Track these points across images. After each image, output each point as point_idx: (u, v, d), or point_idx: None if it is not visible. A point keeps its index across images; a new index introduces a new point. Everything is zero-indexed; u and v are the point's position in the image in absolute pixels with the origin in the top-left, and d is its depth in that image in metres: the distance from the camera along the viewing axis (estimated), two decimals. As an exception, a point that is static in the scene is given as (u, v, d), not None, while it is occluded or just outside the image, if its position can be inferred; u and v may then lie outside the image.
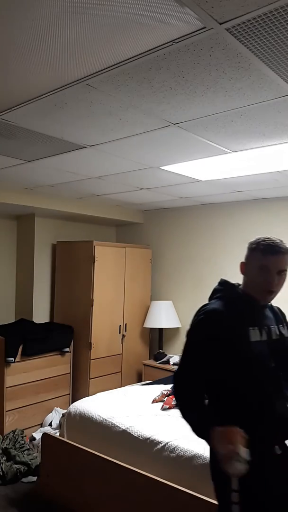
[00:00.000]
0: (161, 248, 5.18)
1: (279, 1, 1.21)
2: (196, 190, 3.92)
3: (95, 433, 2.86)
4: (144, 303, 4.96)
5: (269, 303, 1.81)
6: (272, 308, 1.84)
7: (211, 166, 3.01)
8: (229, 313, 1.68)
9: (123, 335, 4.74)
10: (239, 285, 1.80)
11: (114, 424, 2.80)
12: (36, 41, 1.43)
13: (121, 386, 4.45)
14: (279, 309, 1.88)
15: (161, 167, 3.07)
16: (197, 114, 2.04)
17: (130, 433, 2.68)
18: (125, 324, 4.76)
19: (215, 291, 1.81)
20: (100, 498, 2.62)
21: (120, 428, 2.75)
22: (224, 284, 1.82)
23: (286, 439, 1.67)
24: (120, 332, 4.70)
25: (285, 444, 1.64)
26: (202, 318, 1.67)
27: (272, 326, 1.74)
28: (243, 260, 1.76)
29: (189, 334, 1.70)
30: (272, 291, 1.67)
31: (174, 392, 1.69)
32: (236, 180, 3.44)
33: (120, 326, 4.70)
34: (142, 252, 4.97)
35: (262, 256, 1.65)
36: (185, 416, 1.63)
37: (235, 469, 1.42)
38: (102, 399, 3.23)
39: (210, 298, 1.80)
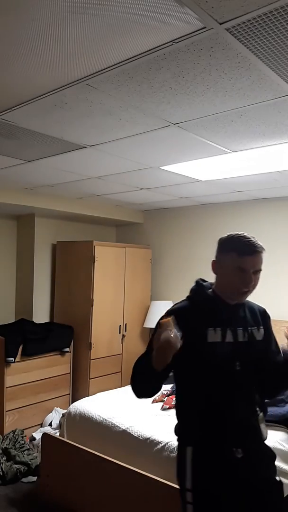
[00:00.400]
0: (161, 248, 5.18)
1: (279, 1, 1.21)
2: (196, 190, 3.92)
3: (95, 433, 2.86)
4: (144, 303, 4.96)
5: (252, 304, 1.79)
6: (252, 308, 1.79)
7: (211, 166, 3.01)
8: (192, 313, 1.68)
9: (123, 335, 4.74)
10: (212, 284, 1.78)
11: (114, 424, 2.80)
12: (36, 41, 1.43)
13: (121, 386, 4.44)
14: (261, 311, 1.83)
15: (161, 167, 3.07)
16: (197, 114, 2.04)
17: (130, 433, 2.68)
18: (125, 324, 4.76)
19: (190, 291, 1.81)
20: (100, 498, 2.62)
21: (120, 428, 2.75)
22: (197, 284, 1.80)
23: (250, 443, 1.63)
24: (120, 332, 4.70)
25: (248, 448, 1.61)
26: (163, 317, 1.67)
27: (239, 328, 1.69)
28: (213, 259, 1.73)
29: (154, 331, 1.69)
30: (248, 291, 1.65)
31: (132, 376, 1.70)
32: (236, 180, 3.44)
33: (120, 326, 4.70)
34: (142, 252, 4.97)
35: (239, 257, 1.61)
36: (135, 377, 1.68)
37: (172, 338, 1.45)
38: (102, 399, 3.23)
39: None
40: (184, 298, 1.81)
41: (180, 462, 1.65)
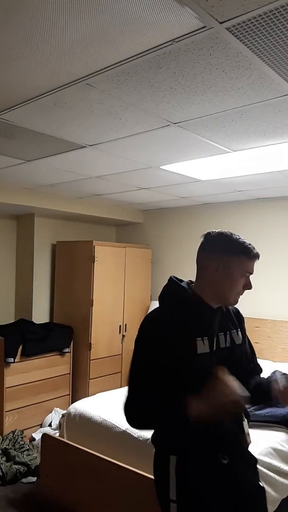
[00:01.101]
0: (161, 248, 5.17)
1: (279, 1, 1.20)
2: (196, 190, 3.91)
3: (95, 433, 2.86)
4: (144, 303, 4.96)
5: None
6: (228, 310, 1.69)
7: (211, 166, 3.01)
8: (176, 321, 1.53)
9: (123, 335, 4.74)
10: (191, 282, 1.67)
11: (114, 424, 2.79)
12: (36, 40, 1.42)
13: (121, 387, 4.44)
14: (235, 311, 1.73)
15: (161, 167, 3.06)
16: (197, 114, 2.04)
17: (130, 433, 2.68)
18: (125, 324, 4.75)
19: (163, 292, 1.66)
20: (99, 499, 2.62)
21: (120, 428, 2.74)
22: (173, 284, 1.65)
23: (235, 449, 1.58)
24: (120, 332, 4.70)
25: (234, 454, 1.56)
26: (143, 337, 1.56)
27: (221, 334, 1.61)
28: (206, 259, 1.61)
29: (133, 357, 1.58)
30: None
31: (129, 421, 1.51)
32: (236, 180, 3.43)
33: (120, 326, 4.70)
34: (142, 252, 4.96)
35: (249, 261, 1.57)
36: (148, 416, 1.50)
37: (242, 399, 1.36)
38: (102, 399, 3.23)
39: (159, 299, 1.67)
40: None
41: (162, 472, 1.53)
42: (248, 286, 1.60)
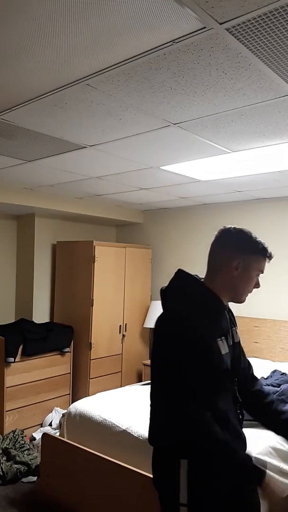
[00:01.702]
0: (161, 248, 5.18)
1: (279, 1, 1.21)
2: (196, 190, 3.92)
3: (95, 433, 2.86)
4: (144, 303, 4.96)
5: None
6: (229, 308, 1.68)
7: (211, 166, 3.01)
8: (198, 319, 1.47)
9: (123, 335, 4.74)
10: (200, 278, 1.63)
11: (114, 424, 2.79)
12: (36, 41, 1.43)
13: (121, 386, 4.44)
14: (229, 308, 1.71)
15: (161, 167, 3.07)
16: (197, 114, 2.04)
17: (130, 433, 2.68)
18: (125, 324, 4.76)
19: (175, 285, 1.60)
20: (100, 498, 2.62)
21: (120, 428, 2.75)
22: (186, 278, 1.60)
23: (240, 449, 1.57)
24: (120, 332, 4.70)
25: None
26: (175, 337, 1.46)
27: (228, 333, 1.59)
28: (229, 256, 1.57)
29: (163, 357, 1.47)
30: None
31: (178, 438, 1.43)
32: (236, 180, 3.44)
33: (120, 326, 4.70)
34: (142, 252, 4.96)
35: (264, 262, 1.58)
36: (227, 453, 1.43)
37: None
38: (102, 399, 3.23)
39: (170, 295, 1.59)
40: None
41: (171, 476, 1.48)
42: (257, 285, 1.61)
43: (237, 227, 1.62)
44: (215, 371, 1.48)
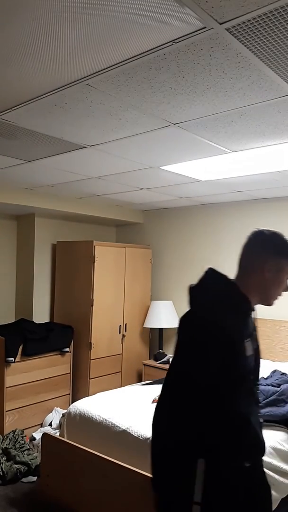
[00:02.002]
0: (161, 248, 5.18)
1: (279, 1, 1.21)
2: (196, 190, 3.92)
3: (95, 433, 2.86)
4: (144, 303, 4.96)
5: None
6: None
7: (211, 166, 3.01)
8: (228, 320, 1.47)
9: (123, 335, 4.74)
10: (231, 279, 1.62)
11: (114, 424, 2.79)
12: (36, 41, 1.43)
13: (121, 386, 4.45)
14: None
15: (161, 167, 3.07)
16: (197, 114, 2.04)
17: (130, 433, 2.68)
18: (125, 324, 4.76)
19: (205, 287, 1.57)
20: (100, 498, 2.62)
21: (120, 428, 2.75)
22: (219, 278, 1.57)
23: (257, 453, 1.58)
24: (120, 332, 4.70)
25: (256, 457, 1.57)
26: (201, 336, 1.45)
27: (253, 335, 1.59)
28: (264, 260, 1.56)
29: (190, 357, 1.46)
30: None
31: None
32: (236, 180, 3.44)
33: (120, 326, 4.70)
34: (142, 252, 4.97)
35: None
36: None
37: None
38: (102, 399, 3.23)
39: (200, 294, 1.56)
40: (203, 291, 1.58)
41: (186, 475, 1.48)
42: (286, 289, 1.59)
43: (270, 229, 1.61)
44: (240, 372, 1.48)
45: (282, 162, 2.86)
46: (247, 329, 1.52)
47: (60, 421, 3.89)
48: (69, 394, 4.36)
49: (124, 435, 2.70)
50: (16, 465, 3.26)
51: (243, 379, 1.49)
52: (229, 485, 1.49)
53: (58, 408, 4.18)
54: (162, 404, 1.53)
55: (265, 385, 3.01)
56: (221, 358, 1.43)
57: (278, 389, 2.92)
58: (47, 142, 2.51)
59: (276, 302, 1.59)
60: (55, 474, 2.91)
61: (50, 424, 4.02)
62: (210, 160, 2.83)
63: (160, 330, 4.84)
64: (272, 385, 3.02)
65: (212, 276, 1.60)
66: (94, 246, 4.40)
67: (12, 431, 3.70)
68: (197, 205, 4.79)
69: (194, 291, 1.59)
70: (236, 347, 1.45)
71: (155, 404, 3.33)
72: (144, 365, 4.71)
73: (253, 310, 1.60)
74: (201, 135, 2.35)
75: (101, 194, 4.17)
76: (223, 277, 1.58)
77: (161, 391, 1.54)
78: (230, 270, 1.63)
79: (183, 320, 1.54)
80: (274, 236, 1.58)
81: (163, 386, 1.54)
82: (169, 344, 5.00)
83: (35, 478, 3.23)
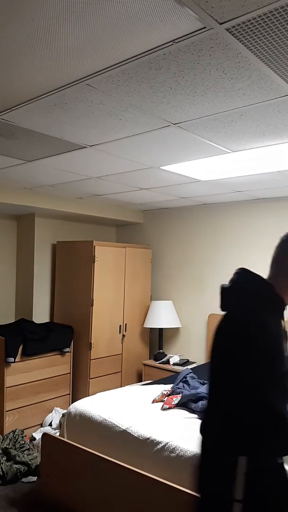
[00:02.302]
0: (161, 248, 5.18)
1: (279, 1, 1.21)
2: (196, 190, 3.92)
3: (95, 433, 2.86)
4: (144, 303, 4.96)
5: None
6: None
7: (211, 166, 3.01)
8: (269, 321, 1.50)
9: (123, 335, 4.74)
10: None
11: (114, 424, 2.80)
12: (36, 41, 1.43)
13: (121, 386, 4.45)
14: None
15: (161, 167, 3.07)
16: (197, 114, 2.04)
17: (130, 433, 2.68)
18: (125, 324, 4.76)
19: (242, 289, 1.59)
20: (100, 498, 2.62)
21: (120, 428, 2.75)
22: (255, 279, 1.58)
23: None
24: (120, 332, 4.70)
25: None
26: (247, 338, 1.49)
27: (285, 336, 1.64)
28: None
29: (238, 359, 1.50)
30: None
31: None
32: (236, 180, 3.44)
33: (120, 326, 4.70)
34: (142, 252, 4.97)
35: None
36: None
37: None
38: (102, 399, 3.23)
39: (237, 295, 1.59)
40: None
41: (227, 473, 1.52)
42: None
43: None
44: (283, 371, 1.51)
45: (282, 162, 2.86)
46: (283, 330, 1.55)
47: (60, 421, 3.89)
48: (69, 394, 4.36)
49: (124, 435, 2.70)
50: (16, 465, 3.26)
51: (284, 378, 1.52)
52: (269, 482, 1.52)
53: (58, 408, 4.18)
54: (213, 407, 1.59)
55: None
56: (271, 359, 1.47)
57: None
58: (47, 142, 2.51)
59: None
60: (55, 474, 2.91)
61: (50, 424, 4.02)
62: (210, 160, 2.83)
63: (160, 330, 4.84)
64: None
65: (245, 277, 1.61)
66: (94, 246, 4.40)
67: (12, 431, 3.71)
68: (197, 205, 4.79)
69: (227, 292, 1.61)
70: (281, 347, 1.49)
71: (155, 404, 3.35)
72: (144, 365, 4.72)
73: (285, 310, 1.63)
74: (201, 135, 2.35)
75: (101, 194, 4.17)
76: (258, 277, 1.59)
77: (209, 398, 1.60)
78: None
79: (225, 326, 1.58)
80: None
81: (210, 395, 1.60)
82: (169, 344, 5.00)
83: (35, 478, 3.23)
